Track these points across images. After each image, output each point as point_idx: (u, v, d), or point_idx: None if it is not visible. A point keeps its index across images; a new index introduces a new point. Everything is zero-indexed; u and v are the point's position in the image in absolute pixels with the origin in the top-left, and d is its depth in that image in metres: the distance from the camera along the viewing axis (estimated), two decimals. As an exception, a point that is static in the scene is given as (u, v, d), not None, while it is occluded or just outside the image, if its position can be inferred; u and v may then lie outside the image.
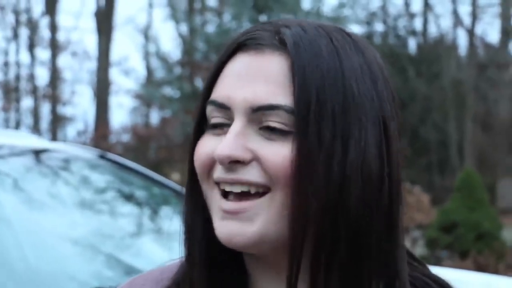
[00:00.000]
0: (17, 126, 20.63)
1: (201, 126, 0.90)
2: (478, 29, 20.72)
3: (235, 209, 0.86)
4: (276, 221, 0.85)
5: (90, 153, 2.97)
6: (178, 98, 15.32)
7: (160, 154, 18.38)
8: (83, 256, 2.37)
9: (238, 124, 0.86)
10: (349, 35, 0.91)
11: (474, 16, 19.62)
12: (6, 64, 22.13)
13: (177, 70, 17.46)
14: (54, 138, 18.97)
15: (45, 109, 22.10)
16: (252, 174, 0.86)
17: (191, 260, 0.92)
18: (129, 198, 2.92)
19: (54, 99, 21.01)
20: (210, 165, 0.88)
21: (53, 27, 20.83)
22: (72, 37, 26.99)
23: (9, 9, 21.82)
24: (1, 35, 21.96)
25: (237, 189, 0.86)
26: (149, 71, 21.80)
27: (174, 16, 20.17)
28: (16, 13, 21.85)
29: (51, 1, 20.54)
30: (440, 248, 10.24)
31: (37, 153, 2.85)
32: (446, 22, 28.06)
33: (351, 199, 0.84)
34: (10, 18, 22.08)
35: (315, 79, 0.85)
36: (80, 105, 32.54)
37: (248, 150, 0.85)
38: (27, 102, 22.50)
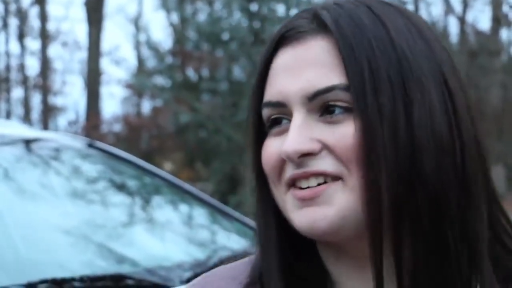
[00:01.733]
0: (8, 116, 20.58)
1: (260, 131, 0.88)
2: (469, 17, 20.79)
3: (310, 195, 0.83)
4: (354, 202, 0.82)
5: (79, 142, 2.96)
6: (169, 88, 15.30)
7: (152, 143, 18.38)
8: (74, 246, 2.37)
9: (298, 117, 0.84)
10: (389, 3, 0.88)
11: (465, 3, 19.66)
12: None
13: (168, 60, 17.42)
14: (45, 128, 18.94)
15: (36, 99, 22.06)
16: (325, 164, 0.83)
17: (267, 263, 0.89)
18: (119, 187, 2.91)
19: (45, 89, 20.96)
20: (280, 166, 0.85)
21: (43, 17, 20.75)
22: (63, 27, 26.92)
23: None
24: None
25: (313, 182, 0.83)
26: (140, 60, 21.78)
27: (165, 5, 20.11)
28: (5, 2, 21.76)
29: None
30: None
31: (27, 142, 2.85)
32: (437, 10, 28.13)
33: (425, 166, 0.81)
34: None
35: (363, 51, 0.83)
36: (71, 95, 32.48)
37: (315, 140, 0.83)
38: (17, 93, 22.45)
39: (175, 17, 20.16)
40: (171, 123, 15.47)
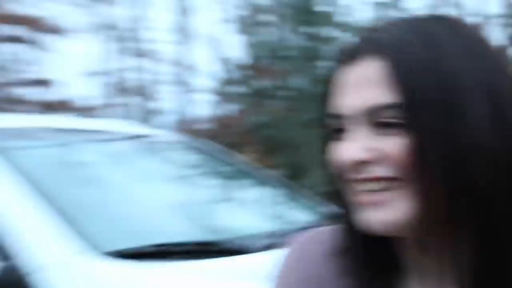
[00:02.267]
0: (118, 118, 20.92)
1: (330, 135, 0.82)
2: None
3: (369, 201, 0.77)
4: (409, 206, 0.76)
5: (181, 138, 3.03)
6: (247, 95, 15.34)
7: (233, 139, 18.38)
8: (170, 216, 2.41)
9: (356, 130, 0.78)
10: (443, 19, 0.80)
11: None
12: (113, 69, 22.40)
13: (245, 72, 17.44)
14: (149, 126, 19.14)
15: (139, 103, 22.36)
16: (379, 171, 0.77)
17: (353, 246, 0.83)
18: (211, 173, 2.96)
19: (146, 96, 21.22)
20: (344, 169, 0.79)
21: (142, 40, 20.99)
22: (160, 47, 27.24)
23: (115, 27, 22.08)
24: (104, 47, 22.26)
25: (373, 186, 0.77)
26: (223, 73, 21.84)
27: (242, 28, 20.12)
28: (117, 30, 22.08)
29: (140, 20, 20.71)
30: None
31: (141, 138, 2.93)
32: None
33: (475, 177, 0.74)
34: (112, 33, 22.35)
35: (415, 72, 0.75)
36: (167, 101, 32.74)
37: (368, 149, 0.77)
38: (130, 99, 22.77)
39: (250, 38, 20.14)
40: (249, 123, 15.50)
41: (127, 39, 23.28)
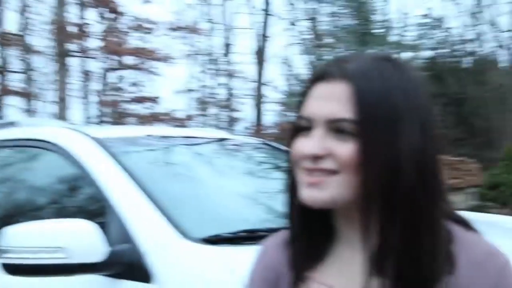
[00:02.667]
0: (207, 126, 21.27)
1: (296, 132, 0.92)
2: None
3: (314, 182, 0.88)
4: (341, 191, 0.87)
5: (257, 141, 3.03)
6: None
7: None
8: (251, 206, 2.40)
9: (318, 132, 0.88)
10: (395, 61, 0.89)
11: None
12: (201, 87, 22.85)
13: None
14: (229, 132, 19.38)
15: (224, 114, 22.65)
16: (328, 164, 0.87)
17: (291, 220, 0.95)
18: (278, 167, 2.95)
19: (229, 108, 21.48)
20: (301, 158, 0.90)
21: (229, 63, 21.28)
22: (240, 68, 27.51)
23: (204, 53, 22.56)
24: (199, 69, 22.68)
25: (319, 174, 0.88)
26: (289, 87, 21.81)
27: (305, 49, 20.05)
28: (208, 54, 22.52)
29: (228, 46, 21.00)
30: (488, 201, 9.68)
31: (223, 141, 2.94)
32: (490, 45, 26.27)
33: (406, 175, 0.84)
34: (204, 58, 22.80)
35: (369, 99, 0.85)
36: (245, 111, 33.07)
37: (325, 148, 0.87)
38: (213, 111, 23.11)
39: (311, 58, 20.01)
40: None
41: (217, 62, 23.79)
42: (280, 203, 2.55)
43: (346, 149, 0.86)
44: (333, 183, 0.87)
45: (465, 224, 0.91)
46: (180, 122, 15.44)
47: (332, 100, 0.87)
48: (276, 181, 2.77)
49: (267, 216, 2.32)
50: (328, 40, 18.90)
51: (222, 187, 2.47)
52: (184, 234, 1.85)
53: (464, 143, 18.15)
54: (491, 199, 9.53)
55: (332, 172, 0.87)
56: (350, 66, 0.88)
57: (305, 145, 0.89)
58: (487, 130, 19.54)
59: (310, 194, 0.89)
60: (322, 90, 0.89)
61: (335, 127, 0.87)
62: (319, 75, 0.90)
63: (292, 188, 0.94)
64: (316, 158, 0.88)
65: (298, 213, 0.94)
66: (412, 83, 0.88)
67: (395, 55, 0.94)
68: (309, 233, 0.94)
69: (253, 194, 2.47)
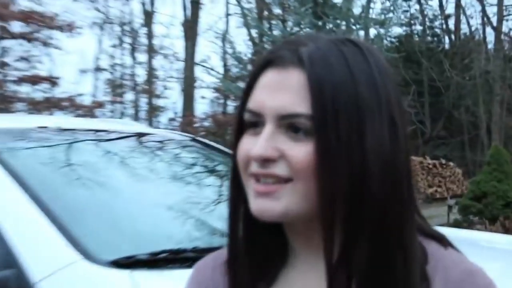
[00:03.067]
0: (122, 115, 21.02)
1: (241, 128, 0.92)
2: (504, 27, 20.06)
3: (265, 191, 0.89)
4: (298, 201, 0.88)
5: (186, 137, 3.03)
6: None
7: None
8: (175, 219, 2.38)
9: (268, 129, 0.88)
10: (357, 44, 0.90)
11: (501, 15, 19.01)
12: (113, 66, 22.56)
13: (249, 68, 17.47)
14: (150, 124, 19.25)
15: (143, 101, 22.45)
16: (280, 169, 0.88)
17: (233, 236, 0.95)
18: (213, 171, 2.95)
19: (150, 93, 21.32)
20: (248, 161, 0.90)
21: (150, 36, 21.09)
22: (164, 43, 27.23)
23: (116, 22, 22.28)
24: (110, 43, 22.44)
25: (269, 180, 0.89)
26: (226, 69, 21.87)
27: (246, 23, 20.14)
28: (122, 25, 22.26)
29: (148, 15, 20.81)
30: (472, 215, 10.04)
31: (141, 136, 2.92)
32: (475, 22, 27.24)
33: (373, 183, 0.85)
34: (117, 29, 22.51)
35: (329, 89, 0.86)
36: (170, 98, 32.85)
37: (276, 149, 0.88)
38: (129, 96, 22.87)
39: (254, 33, 20.18)
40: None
41: (134, 34, 23.44)
42: (213, 217, 2.61)
43: (301, 150, 0.86)
44: (288, 192, 0.88)
45: (441, 240, 0.93)
46: (86, 111, 15.14)
47: (284, 91, 0.88)
48: (209, 188, 2.79)
49: (197, 233, 2.33)
50: (274, 11, 19.11)
51: (140, 195, 2.45)
52: (88, 256, 1.83)
53: (444, 142, 18.75)
54: (476, 212, 9.85)
55: (286, 178, 0.88)
56: (306, 50, 0.88)
57: (251, 145, 0.89)
58: (471, 126, 20.28)
59: (261, 205, 0.89)
60: (272, 78, 0.89)
61: (288, 124, 0.87)
62: (269, 60, 0.90)
63: (236, 197, 0.94)
64: (265, 161, 0.88)
65: (244, 227, 0.94)
66: (380, 71, 0.89)
67: (359, 38, 0.96)
68: (255, 252, 0.95)
69: (179, 204, 2.46)
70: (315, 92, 0.86)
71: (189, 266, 1.99)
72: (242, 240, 0.95)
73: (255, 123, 0.90)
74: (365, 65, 0.88)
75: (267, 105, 0.88)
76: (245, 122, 0.91)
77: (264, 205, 0.89)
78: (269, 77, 0.90)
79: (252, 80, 0.92)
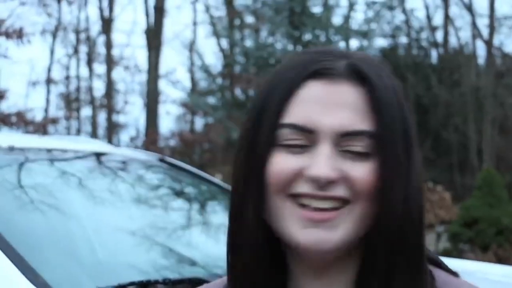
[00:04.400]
0: (78, 133, 20.88)
1: (268, 143, 0.90)
2: (496, 40, 20.45)
3: (322, 218, 0.88)
4: (355, 227, 0.88)
5: (150, 157, 3.02)
6: (220, 106, 15.37)
7: (204, 157, 18.46)
8: (141, 247, 2.38)
9: (327, 148, 0.88)
10: (379, 64, 0.94)
11: (492, 28, 19.38)
12: (67, 77, 22.41)
13: (219, 81, 17.52)
14: (109, 143, 19.14)
15: (102, 117, 22.33)
16: (340, 191, 0.88)
17: (238, 261, 0.93)
18: (182, 194, 2.95)
19: (109, 108, 21.21)
20: (292, 180, 0.89)
21: (108, 44, 21.03)
22: (125, 52, 27.22)
23: (71, 29, 22.16)
24: (64, 52, 22.33)
25: (327, 204, 0.88)
26: (194, 82, 21.89)
27: (216, 32, 20.21)
28: (77, 32, 22.16)
29: (107, 22, 20.76)
30: (463, 242, 10.12)
31: (101, 156, 2.91)
32: (465, 34, 27.76)
33: (413, 207, 0.89)
34: (71, 37, 22.40)
35: (390, 108, 0.89)
36: (132, 114, 32.77)
37: (337, 170, 0.88)
38: (86, 111, 22.73)
39: (224, 43, 20.27)
40: (222, 138, 15.52)
41: (91, 43, 23.21)
42: (181, 243, 2.60)
43: (363, 170, 0.88)
44: (345, 218, 0.88)
45: (443, 267, 0.97)
46: (37, 127, 14.99)
47: (344, 107, 0.88)
48: (178, 212, 2.78)
49: (165, 261, 2.33)
50: (247, 19, 19.20)
51: (101, 221, 2.45)
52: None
53: (432, 164, 18.98)
54: (467, 240, 9.95)
55: (345, 200, 0.88)
56: (363, 65, 0.91)
57: (296, 165, 0.88)
58: (460, 147, 20.55)
59: (315, 236, 0.87)
60: (322, 92, 0.89)
61: (346, 144, 0.88)
62: (314, 71, 0.90)
63: (255, 221, 0.91)
64: (328, 183, 0.87)
65: (251, 254, 0.92)
66: (402, 94, 0.93)
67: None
68: (259, 280, 0.93)
69: (145, 231, 2.46)
70: (381, 109, 0.89)
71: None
72: (249, 266, 0.92)
73: (299, 146, 0.89)
74: (399, 85, 0.93)
75: (323, 122, 0.88)
76: (279, 140, 0.89)
77: (319, 235, 0.87)
78: (316, 90, 0.90)
79: (289, 92, 0.90)
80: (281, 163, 0.89)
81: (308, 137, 0.89)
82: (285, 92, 0.90)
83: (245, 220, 0.91)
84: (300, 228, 0.88)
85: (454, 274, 0.98)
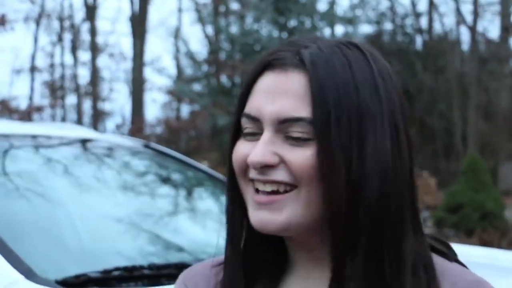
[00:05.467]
0: (63, 121, 20.79)
1: (237, 132, 0.97)
2: (480, 26, 20.52)
3: (266, 201, 0.92)
4: (301, 211, 0.92)
5: (136, 143, 3.01)
6: (206, 93, 15.35)
7: (190, 144, 18.43)
8: (127, 234, 2.38)
9: (267, 134, 0.92)
10: (361, 48, 0.95)
11: (476, 14, 19.44)
12: (52, 65, 22.27)
13: (204, 68, 17.48)
14: (95, 130, 19.03)
15: (87, 105, 22.24)
16: (280, 175, 0.92)
17: (232, 246, 0.99)
18: (168, 181, 2.94)
19: (95, 96, 21.13)
20: (246, 166, 0.94)
21: (93, 32, 20.91)
22: (110, 40, 27.09)
23: (54, 16, 21.99)
24: (47, 39, 22.18)
25: (268, 188, 0.93)
26: (179, 69, 21.83)
27: (201, 19, 20.15)
28: (61, 19, 21.99)
29: (91, 9, 20.62)
30: (448, 227, 10.20)
31: (86, 142, 2.89)
32: (450, 20, 27.84)
33: (370, 192, 0.90)
34: (55, 24, 22.24)
35: (332, 93, 0.90)
36: (118, 101, 32.63)
37: (276, 155, 0.92)
38: (71, 99, 22.62)
39: (210, 30, 20.22)
40: (208, 126, 15.50)
41: (74, 30, 23.06)
42: (168, 230, 2.59)
43: (300, 154, 0.91)
44: (290, 202, 0.92)
45: (446, 254, 0.99)
46: (22, 115, 14.93)
47: (284, 95, 0.92)
48: (163, 198, 2.78)
49: (151, 247, 2.32)
50: (232, 6, 19.17)
51: (87, 208, 2.43)
52: (30, 275, 1.80)
53: (417, 150, 19.10)
54: (452, 225, 10.03)
55: (289, 184, 0.92)
56: (308, 52, 0.93)
57: (248, 150, 0.93)
58: (444, 133, 20.66)
59: (261, 217, 0.93)
60: (271, 82, 0.93)
61: (287, 129, 0.92)
62: (268, 63, 0.95)
63: (234, 202, 0.98)
64: (265, 167, 0.92)
65: (244, 236, 0.98)
66: (383, 78, 0.94)
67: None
68: (254, 259, 0.98)
69: (131, 217, 2.45)
70: (317, 96, 0.90)
71: (146, 285, 2.01)
72: (243, 251, 0.98)
73: (252, 133, 0.94)
74: (368, 71, 0.93)
75: (265, 110, 0.93)
76: (242, 128, 0.96)
77: (265, 216, 0.93)
78: (268, 81, 0.94)
79: (249, 84, 0.96)
80: (237, 150, 0.95)
81: (257, 125, 0.94)
82: (247, 84, 0.96)
83: (229, 204, 0.99)
84: (252, 210, 0.94)
85: (454, 259, 0.99)
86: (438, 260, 0.97)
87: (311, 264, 0.97)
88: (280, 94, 0.92)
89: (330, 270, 0.93)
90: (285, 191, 0.92)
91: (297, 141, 0.91)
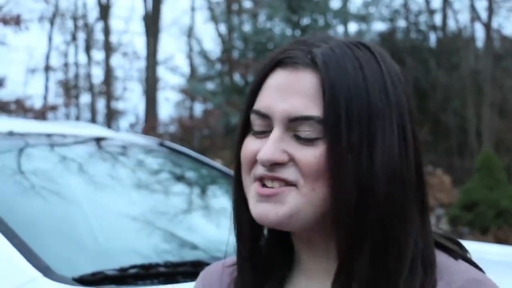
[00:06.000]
0: (77, 120, 20.87)
1: (246, 128, 0.98)
2: (495, 23, 20.40)
3: (269, 193, 0.93)
4: (303, 206, 0.93)
5: (150, 141, 3.03)
6: (219, 92, 15.35)
7: (204, 142, 18.44)
8: (142, 232, 2.39)
9: (277, 132, 0.93)
10: (371, 49, 0.96)
11: (491, 10, 19.32)
12: (66, 64, 22.37)
13: (218, 67, 17.48)
14: (109, 129, 19.07)
15: (101, 104, 22.31)
16: (288, 173, 0.93)
17: (241, 238, 1.00)
18: (182, 179, 2.95)
19: (108, 95, 21.18)
20: (253, 163, 0.95)
21: (106, 31, 20.97)
22: (123, 39, 27.16)
23: (68, 15, 22.09)
24: (62, 39, 22.29)
25: (276, 185, 0.94)
26: (192, 68, 21.85)
27: (214, 17, 20.15)
28: (74, 19, 22.09)
29: (105, 8, 20.68)
30: (462, 225, 10.16)
31: (101, 141, 2.90)
32: (464, 17, 27.68)
33: (379, 193, 0.91)
34: (69, 23, 22.35)
35: (343, 93, 0.92)
36: (131, 100, 32.74)
37: (285, 153, 0.93)
38: (85, 98, 22.70)
39: (223, 28, 20.22)
40: (221, 124, 15.50)
41: (88, 30, 23.07)
42: (183, 228, 2.60)
43: (310, 153, 0.92)
44: (293, 196, 0.93)
45: (452, 252, 0.99)
46: (36, 114, 14.99)
47: (295, 93, 0.93)
48: (178, 196, 2.79)
49: (166, 245, 2.34)
50: (245, 4, 19.15)
51: (102, 206, 2.45)
52: (48, 273, 1.82)
53: (430, 147, 18.99)
54: (466, 223, 9.97)
55: (293, 182, 0.93)
56: (319, 51, 0.94)
57: (257, 147, 0.94)
58: (459, 131, 20.55)
59: (263, 209, 0.93)
60: (282, 79, 0.94)
61: (297, 129, 0.93)
62: (279, 60, 0.95)
63: (240, 198, 0.99)
64: (274, 165, 0.93)
65: (250, 234, 0.99)
66: (393, 80, 0.95)
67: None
68: (261, 255, 1.00)
69: (146, 215, 2.46)
70: (329, 96, 0.91)
71: (162, 282, 2.02)
72: (249, 247, 0.99)
73: (262, 131, 0.95)
74: (378, 72, 0.94)
75: (276, 108, 0.94)
76: (252, 125, 0.97)
77: (266, 208, 0.93)
78: (279, 78, 0.95)
79: (259, 80, 0.97)
80: (246, 146, 0.96)
81: (267, 122, 0.95)
82: (257, 80, 0.97)
83: (236, 200, 1.00)
84: (254, 203, 0.95)
85: (460, 257, 0.99)
86: (442, 258, 0.97)
87: (316, 260, 0.98)
88: (291, 93, 0.93)
89: (336, 266, 0.94)
90: (290, 187, 0.93)
91: (306, 140, 0.92)
